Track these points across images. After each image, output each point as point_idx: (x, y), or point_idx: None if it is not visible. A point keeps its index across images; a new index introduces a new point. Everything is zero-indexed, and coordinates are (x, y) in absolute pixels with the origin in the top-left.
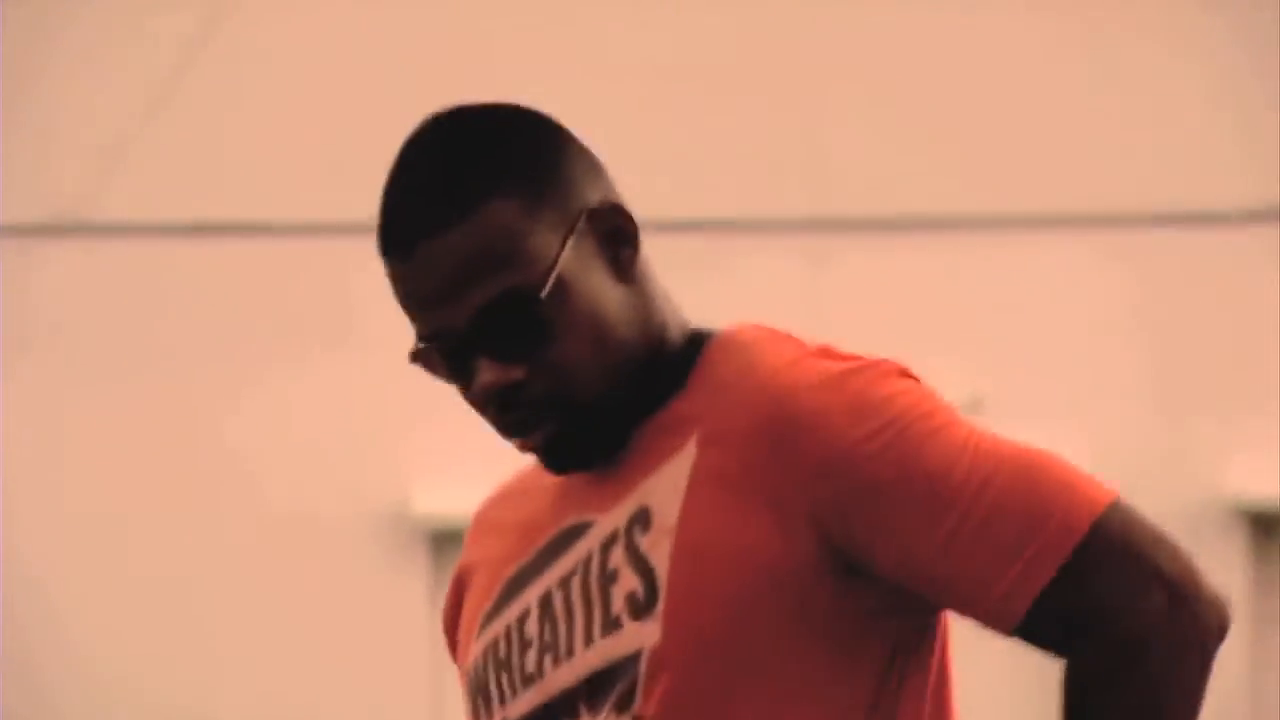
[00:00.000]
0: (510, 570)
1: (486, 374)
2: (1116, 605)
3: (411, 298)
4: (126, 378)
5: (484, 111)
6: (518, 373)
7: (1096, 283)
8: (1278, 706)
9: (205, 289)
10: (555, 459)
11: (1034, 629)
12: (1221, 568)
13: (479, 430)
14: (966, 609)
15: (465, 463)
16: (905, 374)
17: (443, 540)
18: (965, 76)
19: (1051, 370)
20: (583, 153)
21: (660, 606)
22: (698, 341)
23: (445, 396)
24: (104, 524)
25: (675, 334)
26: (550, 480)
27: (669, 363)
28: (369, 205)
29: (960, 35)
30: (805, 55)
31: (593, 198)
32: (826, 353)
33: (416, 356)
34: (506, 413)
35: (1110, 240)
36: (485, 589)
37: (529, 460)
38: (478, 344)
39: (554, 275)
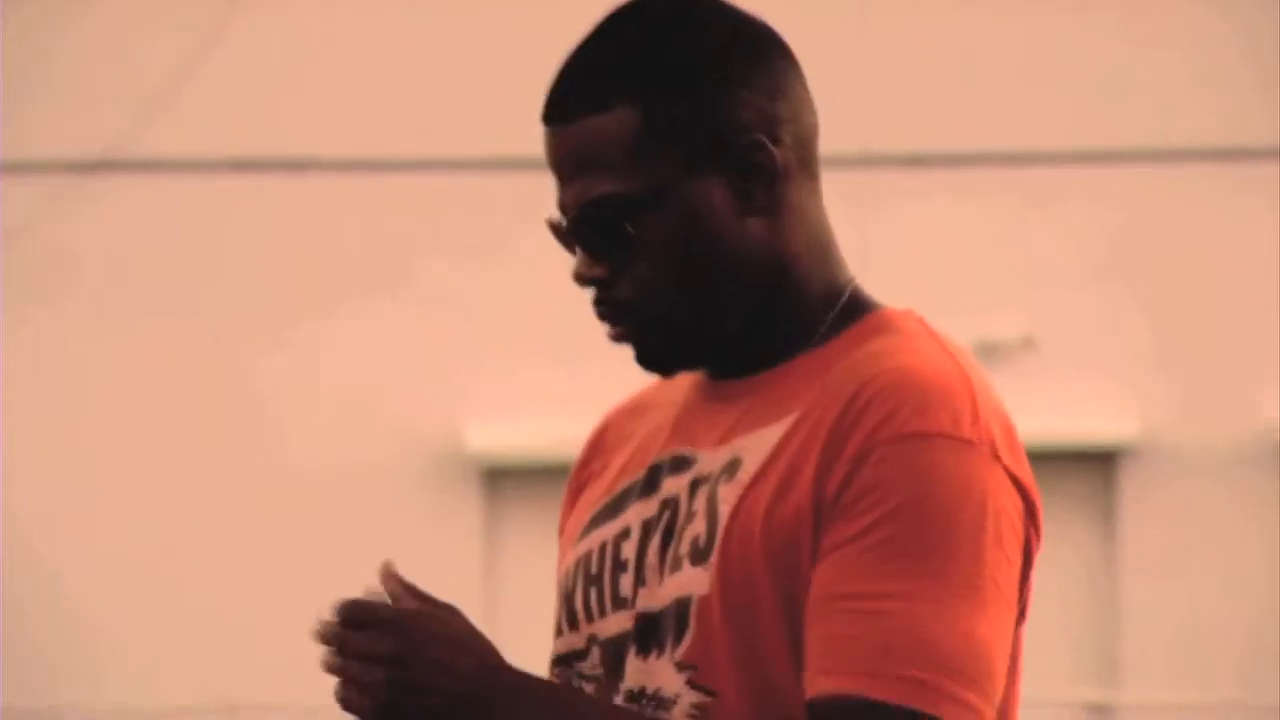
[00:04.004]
0: (620, 485)
1: (577, 263)
2: None
3: (550, 166)
4: (171, 315)
5: (678, 3)
6: (600, 271)
7: (1144, 226)
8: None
9: (257, 227)
10: (639, 357)
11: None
12: (1261, 499)
13: (533, 369)
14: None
15: (520, 402)
16: (997, 458)
17: (496, 477)
18: (1005, 23)
19: (1094, 313)
20: (765, 73)
21: (714, 557)
22: (855, 307)
23: (501, 336)
24: (143, 463)
25: (819, 284)
26: (675, 397)
27: (807, 312)
28: (423, 142)
29: None
30: None
31: (747, 122)
32: (953, 398)
33: (549, 221)
34: (598, 302)
35: (1158, 178)
36: (593, 500)
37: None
38: (575, 234)
39: (655, 194)
